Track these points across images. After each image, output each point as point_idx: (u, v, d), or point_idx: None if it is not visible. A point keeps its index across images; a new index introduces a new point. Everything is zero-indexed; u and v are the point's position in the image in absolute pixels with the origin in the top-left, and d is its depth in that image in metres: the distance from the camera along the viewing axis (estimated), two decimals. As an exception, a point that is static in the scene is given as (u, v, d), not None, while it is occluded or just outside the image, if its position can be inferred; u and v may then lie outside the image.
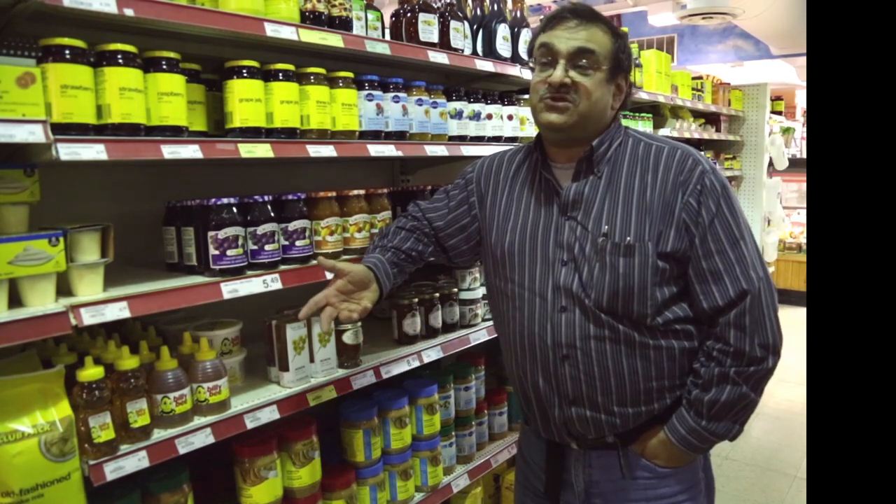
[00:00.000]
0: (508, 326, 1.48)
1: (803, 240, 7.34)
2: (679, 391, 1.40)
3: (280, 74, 1.64)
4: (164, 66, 1.43)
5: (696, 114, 4.57)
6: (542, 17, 1.44)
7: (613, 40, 1.36)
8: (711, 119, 4.84)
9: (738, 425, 1.37)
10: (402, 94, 1.96)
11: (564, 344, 1.37)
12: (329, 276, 1.72)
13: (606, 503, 1.45)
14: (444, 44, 2.09)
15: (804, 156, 7.85)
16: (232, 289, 1.53)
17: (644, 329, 1.34)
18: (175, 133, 1.45)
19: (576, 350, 1.36)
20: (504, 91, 2.48)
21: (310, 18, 1.70)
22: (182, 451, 1.42)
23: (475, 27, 2.27)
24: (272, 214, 1.64)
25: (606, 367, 1.35)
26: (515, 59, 2.37)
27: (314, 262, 1.75)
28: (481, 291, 2.27)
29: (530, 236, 1.43)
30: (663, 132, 3.81)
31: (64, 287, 1.35)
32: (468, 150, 2.14)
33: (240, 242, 1.56)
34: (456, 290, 2.21)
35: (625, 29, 3.37)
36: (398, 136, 1.96)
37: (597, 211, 1.37)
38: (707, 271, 1.32)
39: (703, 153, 1.48)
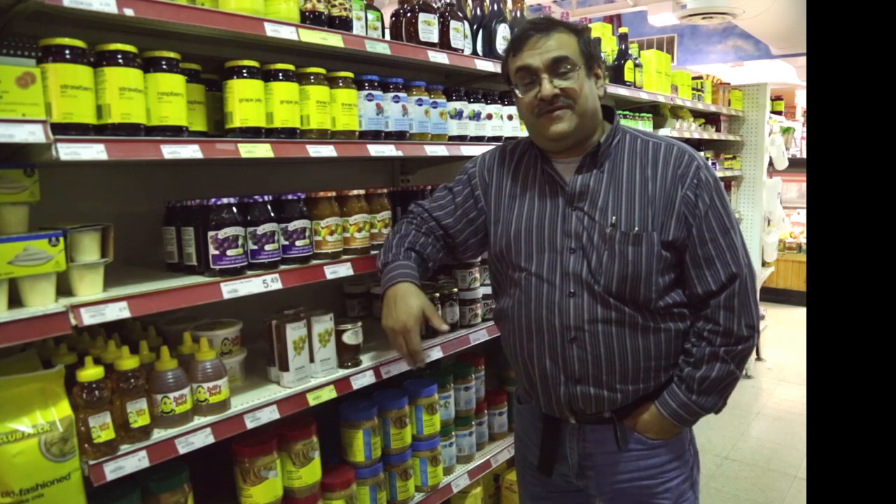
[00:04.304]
0: (514, 311, 1.54)
1: (803, 240, 7.34)
2: (672, 370, 1.51)
3: (280, 74, 1.64)
4: (164, 66, 1.43)
5: (696, 114, 4.56)
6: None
7: (577, 38, 1.45)
8: (711, 119, 4.83)
9: (723, 399, 1.51)
10: (402, 94, 1.96)
11: (573, 327, 1.45)
12: (330, 275, 1.73)
13: (599, 475, 1.55)
14: (444, 44, 2.09)
15: (804, 156, 7.84)
16: (232, 289, 1.53)
17: (647, 312, 1.45)
18: (175, 133, 1.45)
19: (584, 332, 1.45)
20: (504, 91, 2.48)
21: (310, 18, 1.70)
22: (182, 451, 1.42)
23: (475, 27, 2.27)
24: (272, 214, 1.65)
25: (612, 348, 1.45)
26: (515, 59, 2.36)
27: (314, 261, 1.75)
28: (481, 291, 2.27)
29: (537, 225, 1.50)
30: (663, 132, 3.81)
31: (64, 287, 1.35)
32: (468, 150, 2.14)
33: (240, 242, 1.56)
34: (456, 290, 2.21)
35: (624, 29, 3.38)
36: (398, 136, 1.96)
37: (602, 202, 1.46)
38: (702, 258, 1.44)
39: (700, 152, 1.54)
